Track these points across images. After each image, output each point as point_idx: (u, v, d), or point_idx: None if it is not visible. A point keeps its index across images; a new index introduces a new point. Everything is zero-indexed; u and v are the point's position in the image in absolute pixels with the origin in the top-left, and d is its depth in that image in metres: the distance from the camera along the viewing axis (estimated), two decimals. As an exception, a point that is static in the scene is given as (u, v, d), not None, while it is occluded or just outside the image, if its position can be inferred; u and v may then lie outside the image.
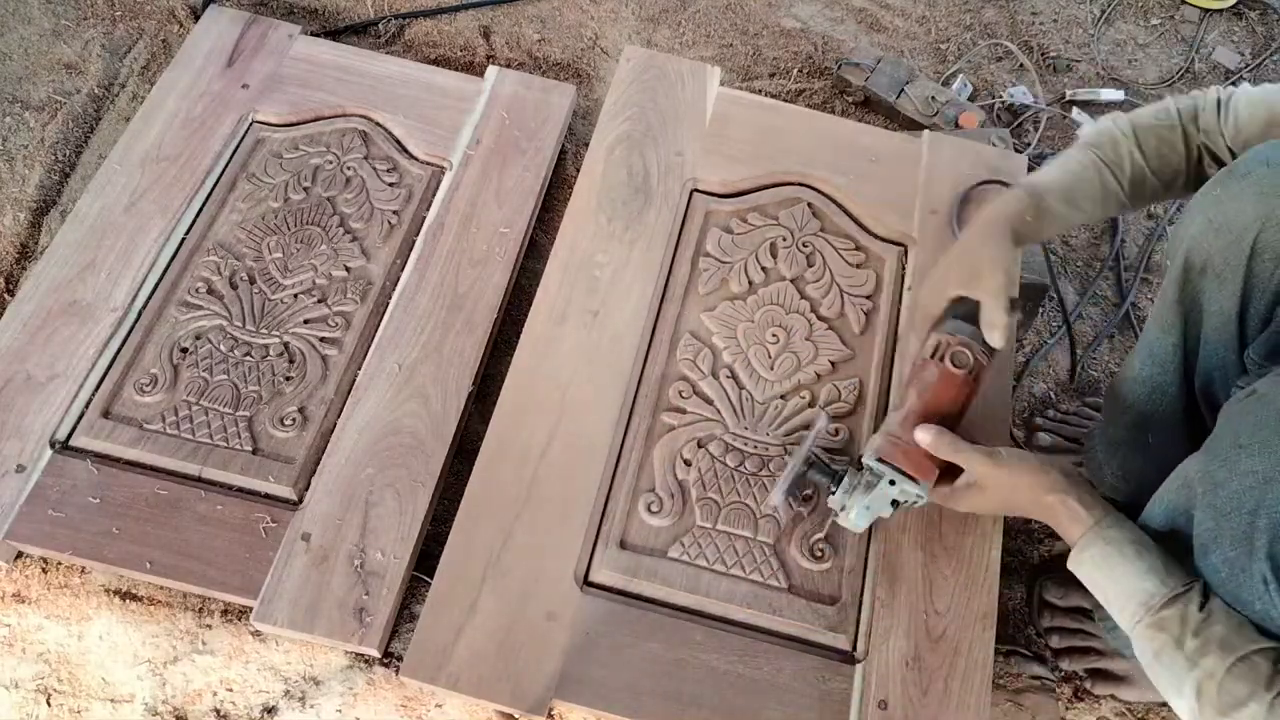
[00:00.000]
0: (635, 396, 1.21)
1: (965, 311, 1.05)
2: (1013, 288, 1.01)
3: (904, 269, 1.33)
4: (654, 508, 1.14)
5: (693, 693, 1.05)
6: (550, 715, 1.15)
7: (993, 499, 1.00)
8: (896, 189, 1.38)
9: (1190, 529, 0.85)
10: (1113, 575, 0.87)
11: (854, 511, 1.04)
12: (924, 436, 0.99)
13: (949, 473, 1.02)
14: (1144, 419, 1.08)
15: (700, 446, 1.18)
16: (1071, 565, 0.93)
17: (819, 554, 1.12)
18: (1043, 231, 1.04)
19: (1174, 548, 0.88)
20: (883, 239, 1.35)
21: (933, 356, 1.04)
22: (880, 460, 1.01)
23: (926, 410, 1.02)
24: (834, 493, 1.04)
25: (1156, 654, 0.83)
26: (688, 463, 1.17)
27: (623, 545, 1.12)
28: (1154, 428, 1.08)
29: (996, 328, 1.01)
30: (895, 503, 1.02)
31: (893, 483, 1.01)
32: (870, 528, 1.11)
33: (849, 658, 1.08)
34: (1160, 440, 1.08)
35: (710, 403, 1.21)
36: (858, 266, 1.32)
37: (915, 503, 1.03)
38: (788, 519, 1.14)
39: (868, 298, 1.30)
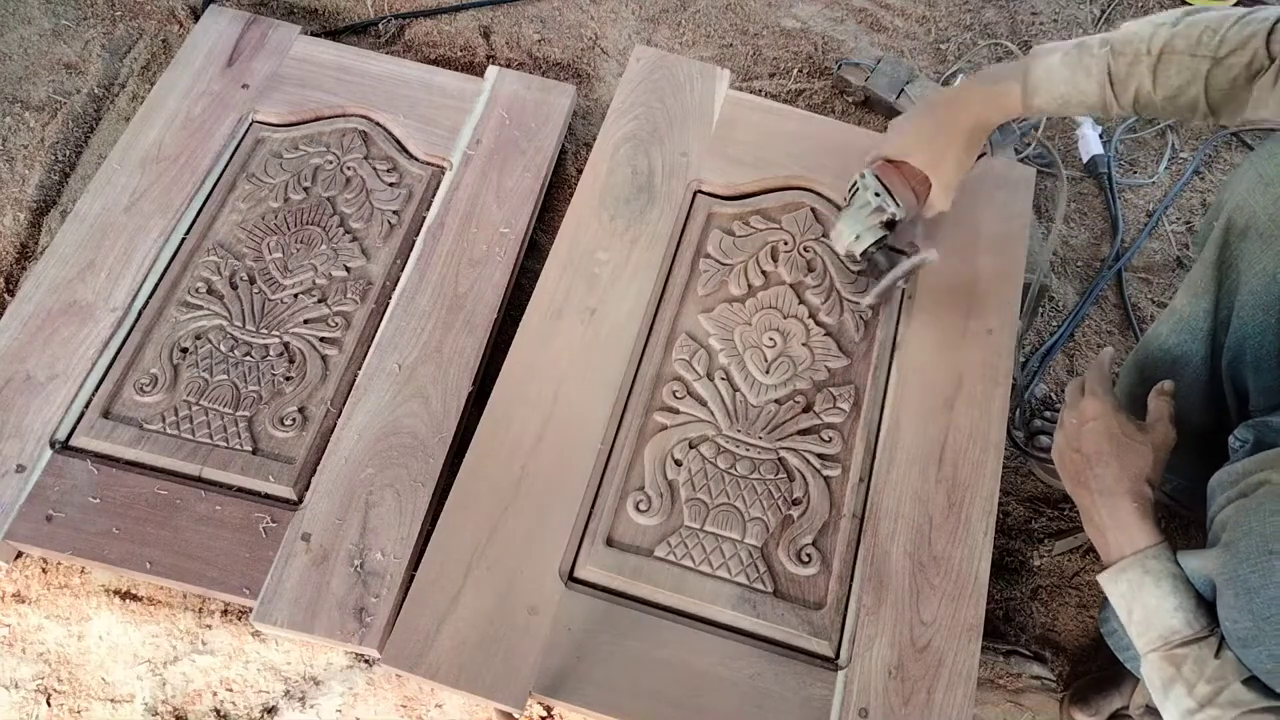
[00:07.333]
0: (629, 394, 1.21)
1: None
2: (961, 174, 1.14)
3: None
4: (642, 506, 1.14)
5: (671, 693, 1.04)
6: (550, 714, 1.16)
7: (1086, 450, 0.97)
8: (902, 197, 1.37)
9: (1211, 594, 0.85)
10: (1144, 603, 0.87)
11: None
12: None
13: None
14: None
15: (692, 447, 1.18)
16: (1105, 582, 0.91)
17: (806, 559, 1.12)
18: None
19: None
20: (885, 246, 1.35)
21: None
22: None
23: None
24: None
25: (1165, 685, 0.84)
26: (678, 463, 1.17)
27: (609, 543, 1.12)
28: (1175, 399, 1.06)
29: (936, 208, 1.17)
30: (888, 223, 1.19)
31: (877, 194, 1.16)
32: (858, 535, 1.12)
33: (831, 664, 1.08)
34: (1178, 411, 1.06)
35: (704, 404, 1.21)
36: (859, 274, 1.32)
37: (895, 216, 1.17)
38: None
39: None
